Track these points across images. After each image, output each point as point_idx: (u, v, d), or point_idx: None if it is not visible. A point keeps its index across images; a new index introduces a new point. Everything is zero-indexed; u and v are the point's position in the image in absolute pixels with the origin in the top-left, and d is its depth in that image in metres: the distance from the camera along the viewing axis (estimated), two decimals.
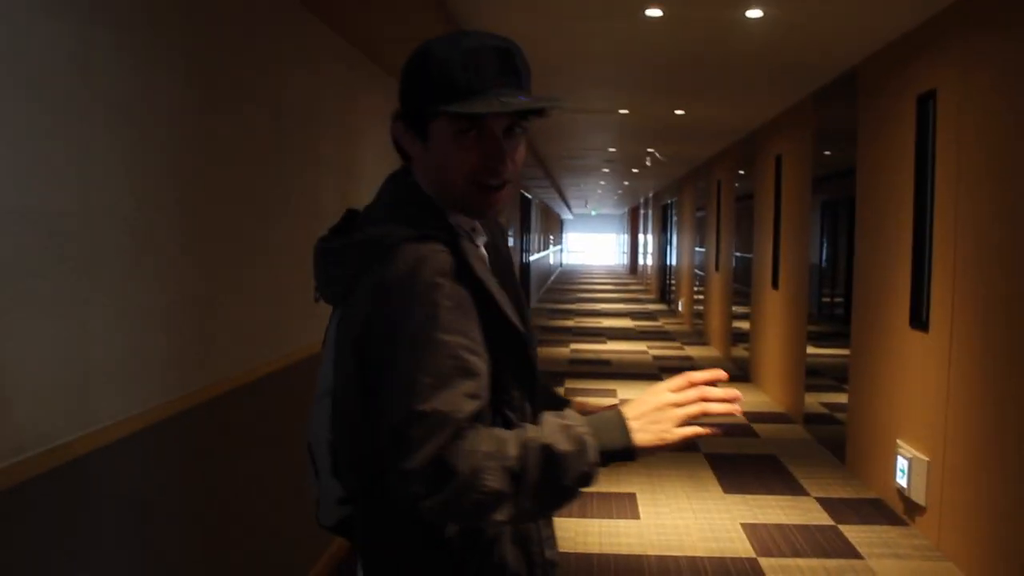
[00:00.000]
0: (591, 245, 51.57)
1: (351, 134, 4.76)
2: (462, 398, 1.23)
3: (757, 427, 7.47)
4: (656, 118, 9.13)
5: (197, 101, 2.90)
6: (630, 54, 6.08)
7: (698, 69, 6.56)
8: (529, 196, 18.50)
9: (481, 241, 1.48)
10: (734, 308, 11.14)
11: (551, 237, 31.64)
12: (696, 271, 14.71)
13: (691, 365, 10.95)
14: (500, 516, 1.23)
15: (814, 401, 7.28)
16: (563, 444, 1.25)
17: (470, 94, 1.32)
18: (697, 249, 14.80)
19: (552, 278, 30.48)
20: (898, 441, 5.14)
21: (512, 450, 1.23)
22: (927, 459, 4.75)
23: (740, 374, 10.17)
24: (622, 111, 8.62)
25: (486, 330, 1.32)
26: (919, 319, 4.99)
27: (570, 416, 1.31)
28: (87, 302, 2.27)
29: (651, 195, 24.67)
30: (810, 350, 7.41)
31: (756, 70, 6.49)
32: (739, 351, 10.73)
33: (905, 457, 4.96)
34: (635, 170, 15.89)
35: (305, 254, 1.59)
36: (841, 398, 6.59)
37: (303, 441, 1.51)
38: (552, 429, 1.28)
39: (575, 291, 25.20)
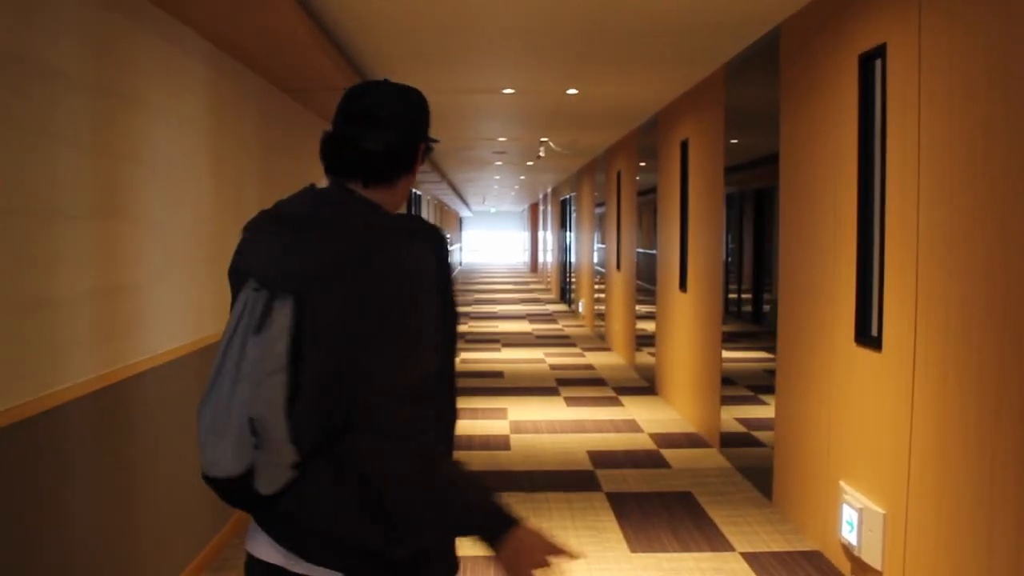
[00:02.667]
0: (493, 243, 50.51)
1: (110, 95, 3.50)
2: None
3: (667, 453, 6.44)
4: (546, 99, 8.05)
5: None
6: (511, 20, 4.97)
7: (592, 36, 5.49)
8: (418, 192, 17.26)
9: None
10: (638, 308, 10.16)
11: (448, 236, 30.43)
12: (597, 268, 13.74)
13: (592, 376, 9.91)
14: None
15: (729, 417, 6.30)
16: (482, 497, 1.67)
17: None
18: (598, 246, 13.84)
19: None
20: (843, 484, 4.14)
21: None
22: (883, 511, 3.75)
23: (646, 385, 9.16)
24: (506, 91, 7.50)
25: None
26: (867, 334, 4.00)
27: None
28: None
29: (550, 190, 23.70)
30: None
31: (660, 35, 5.44)
32: (644, 357, 9.74)
33: (854, 507, 3.95)
34: (529, 163, 14.82)
35: None
36: (760, 412, 5.65)
37: (238, 418, 1.60)
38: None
39: (472, 291, 24.06)
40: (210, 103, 4.45)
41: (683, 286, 7.65)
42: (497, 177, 19.25)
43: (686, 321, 7.54)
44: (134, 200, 3.56)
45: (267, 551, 1.69)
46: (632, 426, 7.30)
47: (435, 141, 1.86)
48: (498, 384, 9.33)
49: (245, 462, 1.63)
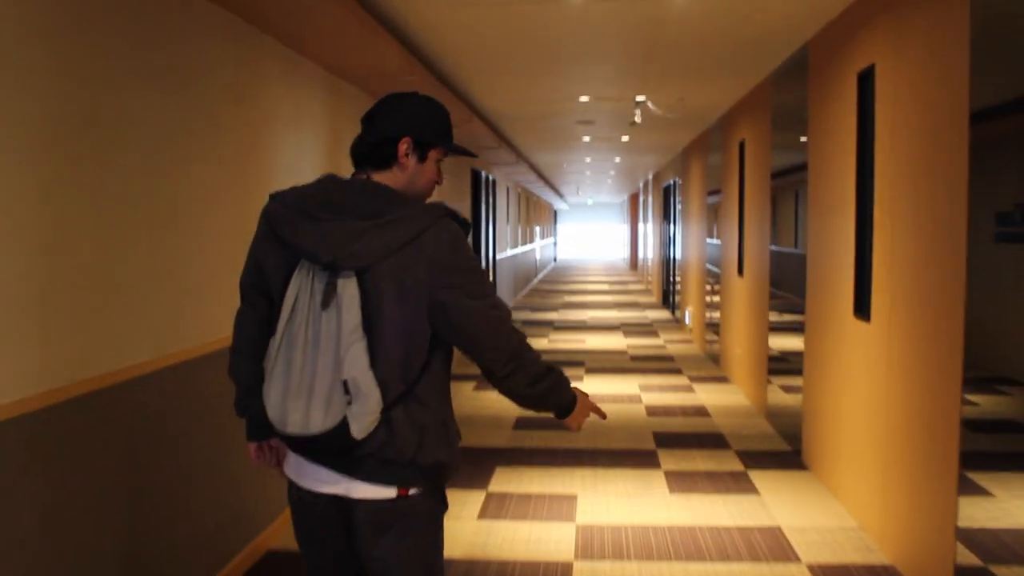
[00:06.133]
0: (590, 238, 47.44)
1: None
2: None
3: None
4: (636, 16, 5.18)
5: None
6: None
7: None
8: (491, 176, 14.50)
9: None
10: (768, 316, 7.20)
11: (538, 229, 27.64)
12: (710, 268, 10.76)
13: (707, 429, 6.96)
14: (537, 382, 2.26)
15: (968, 525, 3.40)
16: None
17: (451, 138, 2.30)
18: (710, 241, 10.87)
19: (540, 276, 26.50)
20: None
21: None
22: None
23: (787, 450, 6.16)
24: None
25: None
26: None
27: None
28: None
29: (651, 176, 20.67)
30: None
31: None
32: (778, 396, 6.79)
33: None
34: (624, 138, 11.90)
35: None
36: (985, 512, 2.94)
37: (325, 382, 2.03)
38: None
39: (563, 292, 21.23)
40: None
41: (862, 310, 4.69)
42: (588, 160, 16.36)
43: (868, 363, 4.58)
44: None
45: (329, 486, 2.15)
46: (778, 545, 4.37)
47: (448, 147, 2.31)
48: (572, 443, 6.48)
49: (338, 417, 2.02)
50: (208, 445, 3.82)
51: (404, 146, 2.18)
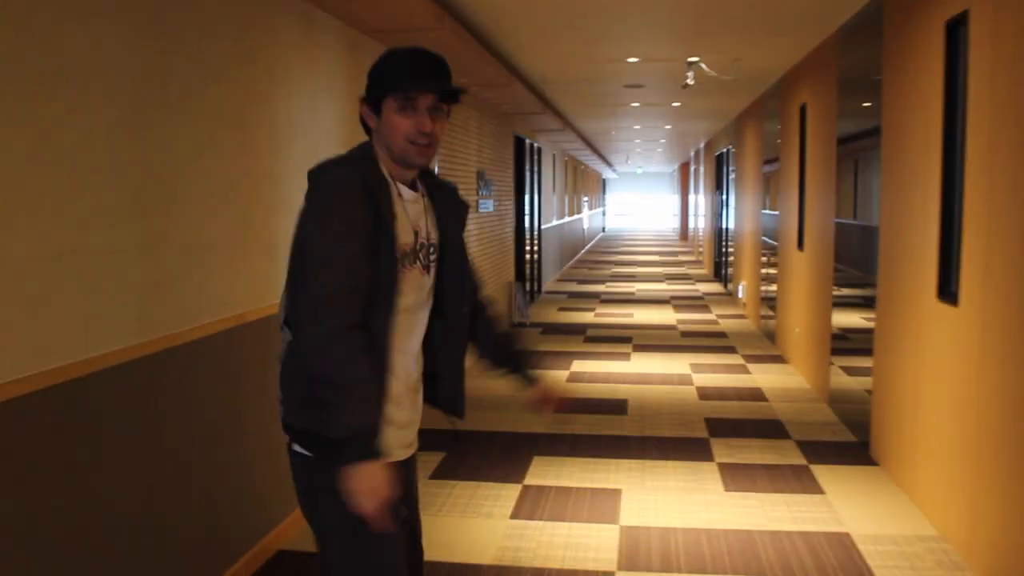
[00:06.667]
0: (639, 208, 46.60)
1: None
2: (344, 292, 1.99)
3: None
4: None
5: None
6: None
7: None
8: (536, 144, 13.94)
9: (407, 189, 2.19)
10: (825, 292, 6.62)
11: (587, 199, 27.02)
12: (766, 241, 10.16)
13: (763, 415, 6.43)
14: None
15: None
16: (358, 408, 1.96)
17: (409, 84, 2.08)
18: (764, 212, 10.26)
19: (588, 247, 25.94)
20: None
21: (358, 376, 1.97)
22: None
23: (852, 440, 5.62)
24: None
25: (377, 232, 2.05)
26: None
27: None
28: None
29: (703, 145, 19.97)
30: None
31: None
32: (841, 379, 6.24)
33: None
34: (675, 104, 11.29)
35: None
36: None
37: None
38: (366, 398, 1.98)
39: (611, 263, 20.67)
40: None
41: (947, 292, 4.14)
42: (637, 127, 15.73)
43: (955, 352, 4.04)
44: None
45: None
46: (848, 557, 3.86)
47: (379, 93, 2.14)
48: (616, 428, 6.02)
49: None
50: (213, 436, 3.43)
51: (362, 111, 2.17)
